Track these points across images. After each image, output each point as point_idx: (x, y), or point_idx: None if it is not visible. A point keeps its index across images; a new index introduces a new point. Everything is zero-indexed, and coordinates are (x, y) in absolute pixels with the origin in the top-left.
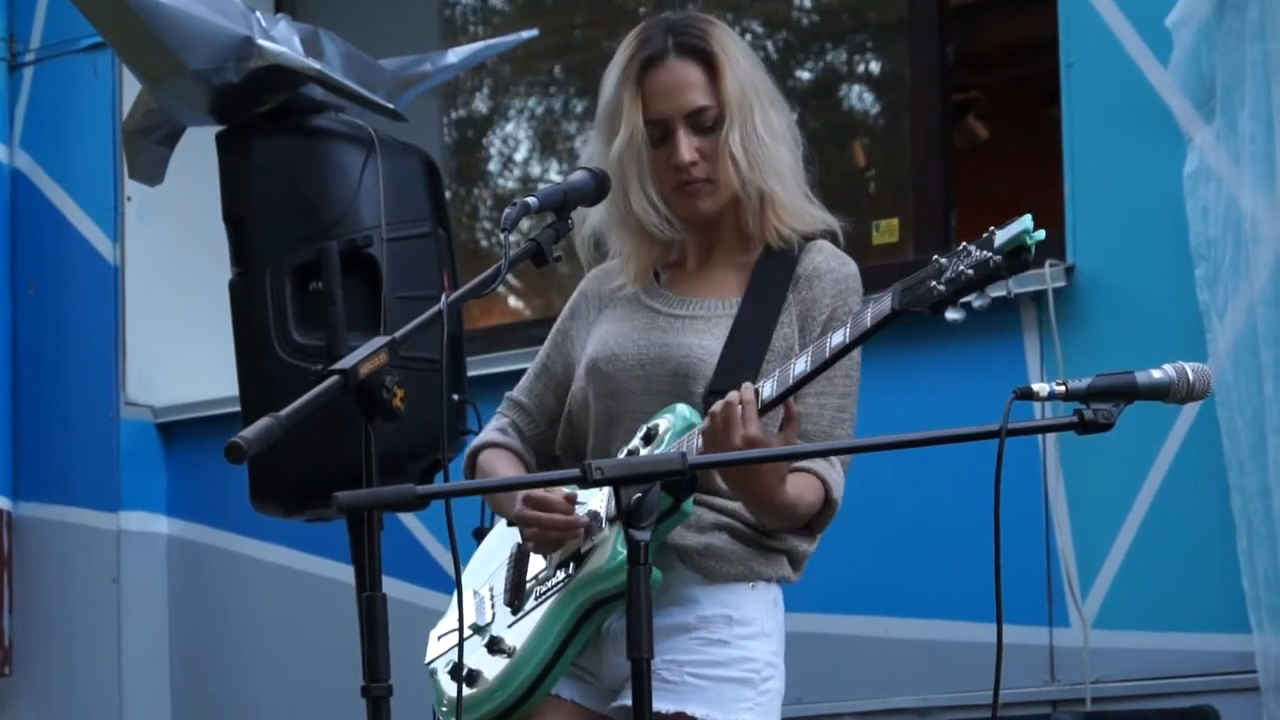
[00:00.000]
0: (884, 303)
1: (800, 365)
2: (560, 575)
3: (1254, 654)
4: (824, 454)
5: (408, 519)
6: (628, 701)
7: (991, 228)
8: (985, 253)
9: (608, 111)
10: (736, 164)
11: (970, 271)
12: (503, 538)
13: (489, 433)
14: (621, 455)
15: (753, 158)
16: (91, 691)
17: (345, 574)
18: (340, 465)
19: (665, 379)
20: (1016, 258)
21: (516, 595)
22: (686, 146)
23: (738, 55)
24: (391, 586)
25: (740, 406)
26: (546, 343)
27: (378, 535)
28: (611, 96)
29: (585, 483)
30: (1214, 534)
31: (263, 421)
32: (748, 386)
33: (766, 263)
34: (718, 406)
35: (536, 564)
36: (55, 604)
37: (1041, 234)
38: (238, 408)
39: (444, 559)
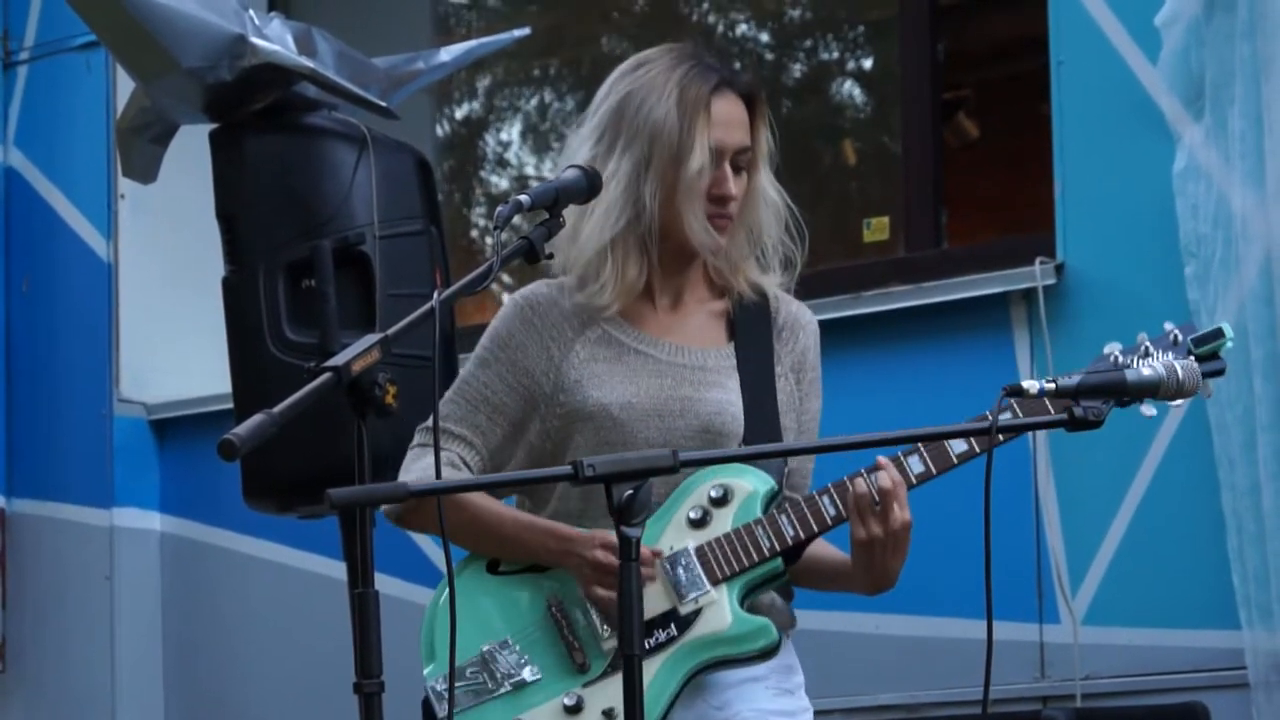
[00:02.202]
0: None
1: (960, 445)
2: (659, 635)
3: (1243, 650)
4: (816, 451)
5: None
6: None
7: (1172, 328)
8: (1177, 356)
9: (670, 130)
10: (769, 207)
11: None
12: (505, 587)
13: (450, 472)
14: (683, 515)
15: (775, 206)
16: (85, 687)
17: (338, 570)
18: (333, 462)
19: (691, 434)
20: (1212, 360)
21: (585, 655)
22: (734, 181)
23: None
24: (384, 583)
25: (895, 488)
26: (482, 374)
27: (370, 532)
28: (673, 113)
29: (577, 480)
30: (1204, 531)
31: (255, 418)
32: (889, 464)
33: (743, 312)
34: (885, 481)
35: (601, 624)
36: (48, 600)
37: (1232, 342)
38: (230, 405)
39: (436, 556)
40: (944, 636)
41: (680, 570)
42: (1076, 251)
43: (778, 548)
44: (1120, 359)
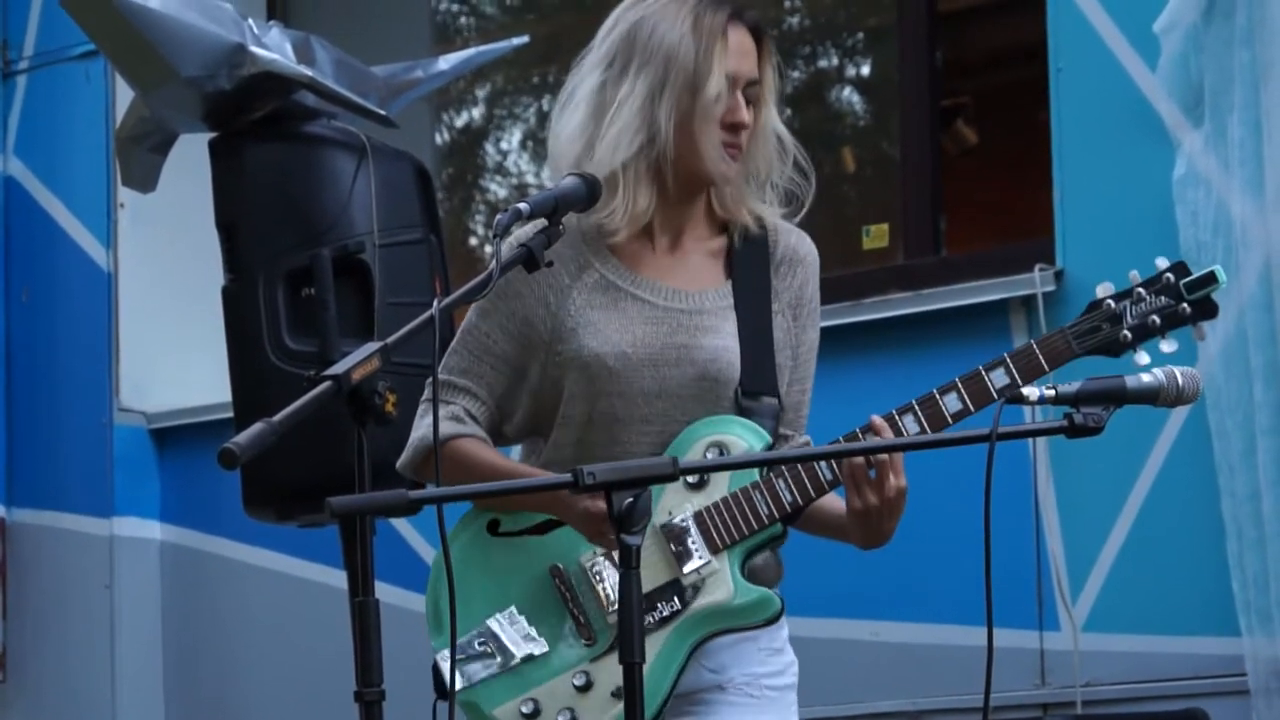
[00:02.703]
0: (1061, 347)
1: (954, 403)
2: (662, 608)
3: (1244, 657)
4: (818, 458)
5: (400, 524)
6: None
7: (1164, 268)
8: (1170, 300)
9: (687, 55)
10: (781, 143)
11: (1157, 319)
12: (507, 552)
13: (453, 424)
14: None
15: (783, 142)
16: (85, 697)
17: (338, 579)
18: (333, 470)
19: (688, 382)
20: (1206, 305)
21: (591, 628)
22: (745, 109)
23: None
24: (384, 591)
25: (891, 457)
26: (481, 323)
27: (370, 540)
28: (689, 38)
29: (577, 488)
30: (1204, 537)
31: (255, 427)
32: (883, 425)
33: (742, 247)
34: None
35: (605, 596)
36: (49, 610)
37: (1225, 282)
38: (231, 413)
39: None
40: (944, 643)
41: (679, 539)
42: (1075, 258)
43: (776, 515)
44: (1113, 305)
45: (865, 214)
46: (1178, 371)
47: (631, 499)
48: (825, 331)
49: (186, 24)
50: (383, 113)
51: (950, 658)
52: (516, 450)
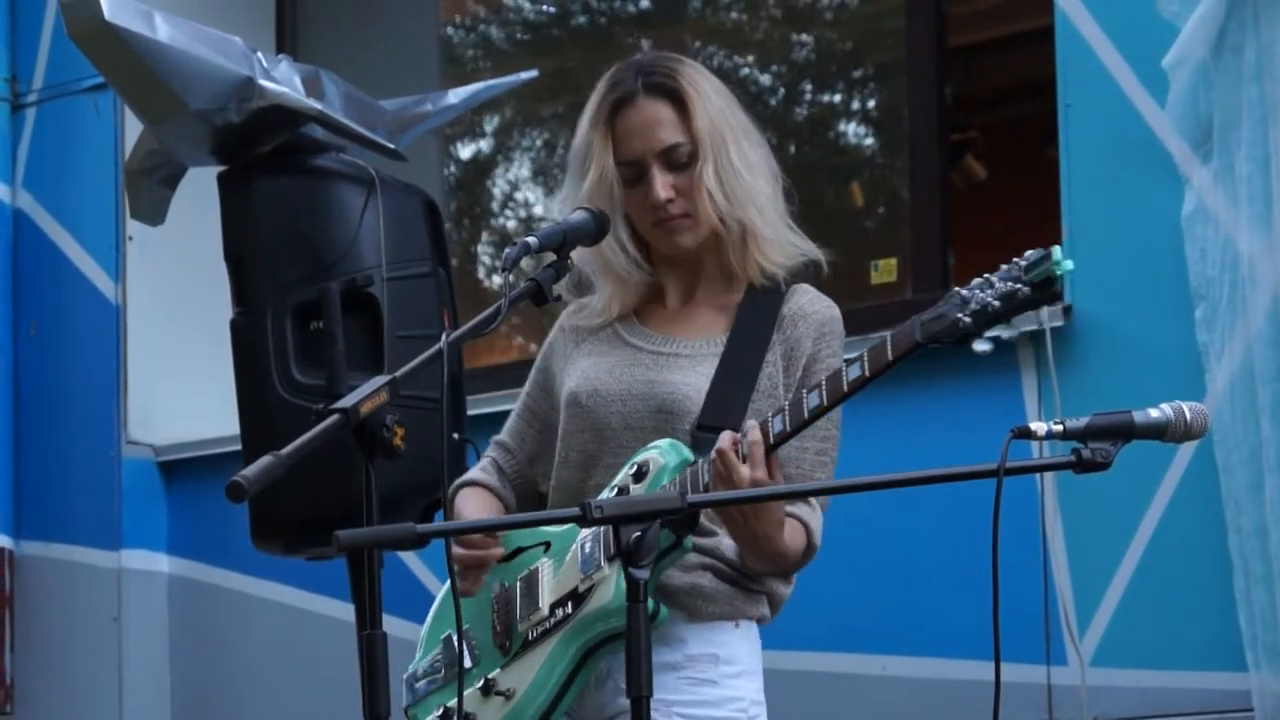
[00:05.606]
0: (906, 335)
1: (815, 399)
2: (558, 614)
3: (1250, 692)
4: (818, 493)
5: (408, 557)
6: None
7: (1017, 259)
8: (1011, 284)
9: (579, 154)
10: (713, 198)
11: (996, 303)
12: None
13: (472, 471)
14: (611, 493)
15: (730, 191)
16: None
17: (346, 612)
18: (341, 504)
19: (648, 415)
20: (1045, 289)
21: (507, 637)
22: (661, 184)
23: (708, 91)
24: (392, 624)
25: (742, 446)
26: (528, 382)
27: (378, 573)
28: (582, 139)
29: (585, 521)
30: (1211, 572)
31: (263, 460)
32: (753, 425)
33: (751, 302)
34: (724, 442)
35: (522, 606)
36: (56, 642)
37: (1070, 265)
38: (239, 446)
39: None
40: (951, 678)
41: (585, 548)
42: (1084, 294)
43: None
44: (964, 293)
45: (873, 249)
46: (1185, 407)
47: (640, 533)
48: None
49: (195, 57)
50: (391, 146)
51: (958, 692)
52: None
